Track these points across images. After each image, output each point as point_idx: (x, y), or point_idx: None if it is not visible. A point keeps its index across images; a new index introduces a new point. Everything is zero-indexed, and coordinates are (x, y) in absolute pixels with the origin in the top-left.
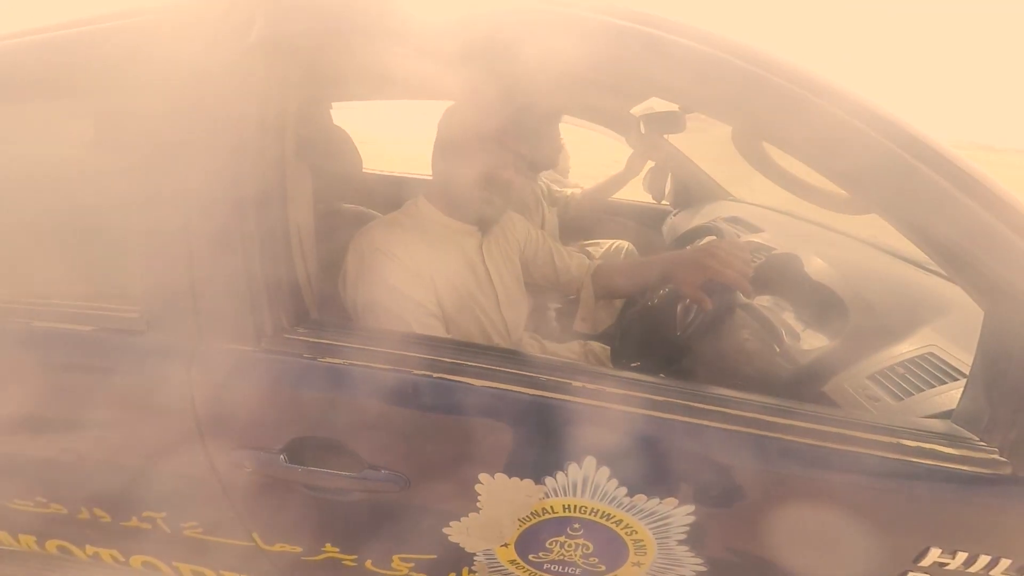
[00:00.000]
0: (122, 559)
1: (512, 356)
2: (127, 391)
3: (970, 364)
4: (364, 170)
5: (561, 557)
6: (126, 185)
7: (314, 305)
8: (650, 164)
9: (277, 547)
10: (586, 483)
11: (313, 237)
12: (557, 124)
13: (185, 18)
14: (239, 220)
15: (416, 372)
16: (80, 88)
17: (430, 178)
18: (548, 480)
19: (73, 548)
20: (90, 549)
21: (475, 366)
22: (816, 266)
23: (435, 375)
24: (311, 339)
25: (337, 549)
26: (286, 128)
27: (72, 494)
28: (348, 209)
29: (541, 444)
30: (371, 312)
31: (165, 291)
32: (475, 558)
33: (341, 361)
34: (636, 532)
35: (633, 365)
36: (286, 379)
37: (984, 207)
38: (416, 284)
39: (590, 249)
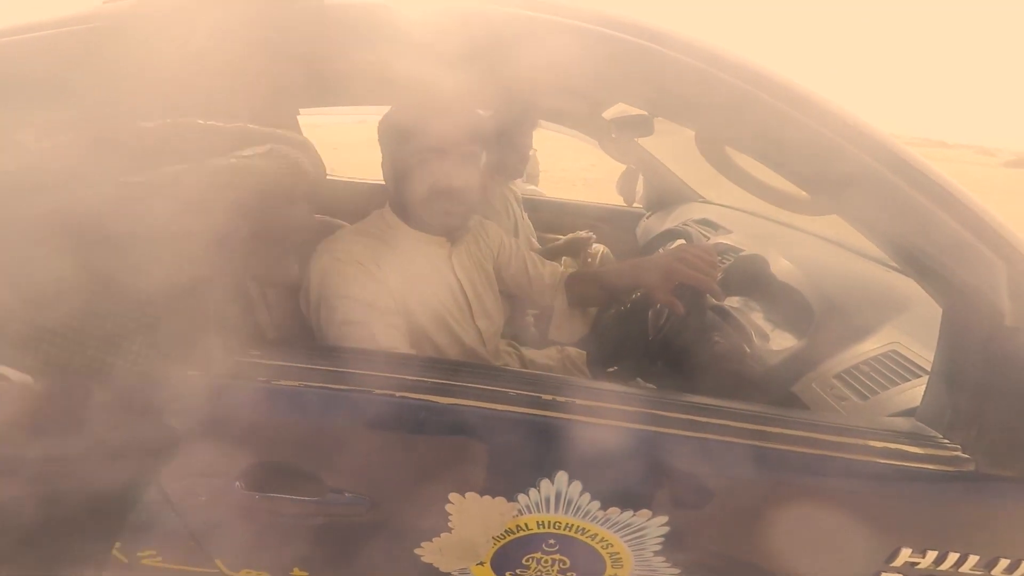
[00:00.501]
0: None
1: (477, 371)
2: (74, 420)
3: (931, 361)
4: (330, 177)
5: (538, 573)
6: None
7: (271, 324)
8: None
9: (243, 573)
10: (559, 498)
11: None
12: (526, 130)
13: (127, 25)
14: (179, 237)
15: (377, 392)
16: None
17: None
18: (521, 497)
19: None
20: None
21: (438, 383)
22: (782, 266)
23: (397, 394)
24: (265, 361)
25: (306, 573)
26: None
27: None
28: (317, 219)
29: (511, 460)
30: (333, 323)
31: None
32: None
33: (297, 383)
34: (612, 545)
35: (609, 370)
36: (240, 404)
37: (939, 206)
38: (379, 294)
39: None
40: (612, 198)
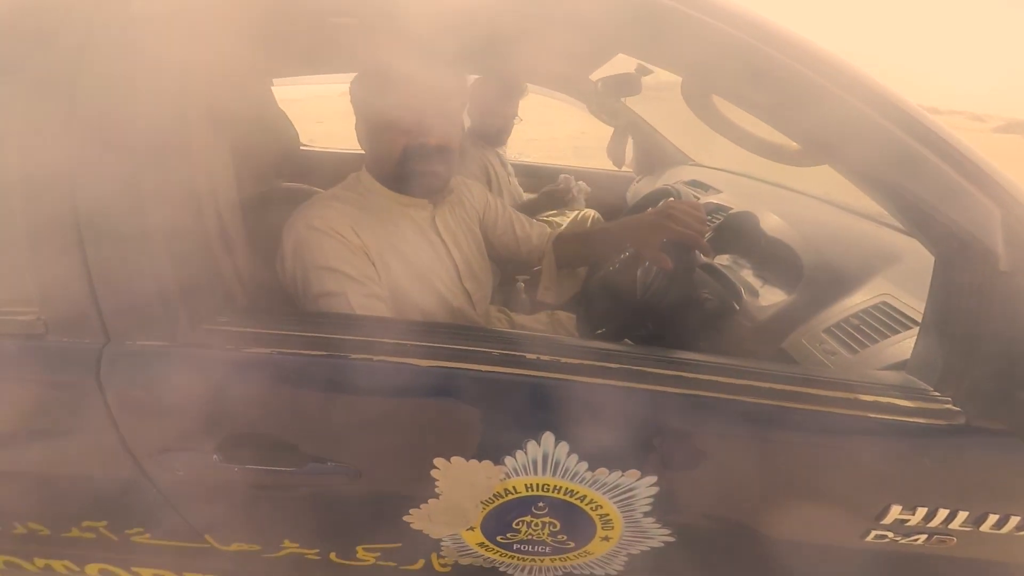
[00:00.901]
0: (76, 568)
1: (457, 331)
2: (33, 400)
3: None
4: (304, 148)
5: (529, 536)
6: (8, 174)
7: (242, 291)
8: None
9: (234, 547)
10: (546, 460)
11: (239, 217)
12: (513, 97)
13: None
14: (136, 203)
15: (354, 356)
16: None
17: None
18: (508, 460)
19: (21, 562)
20: (40, 561)
21: (419, 345)
22: (772, 222)
23: (376, 358)
24: (234, 328)
25: (296, 544)
26: (189, 100)
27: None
28: (290, 187)
29: (496, 423)
30: (310, 295)
31: (62, 288)
32: (442, 543)
33: (268, 350)
34: (601, 507)
35: (598, 332)
36: (209, 374)
37: (932, 152)
38: (356, 263)
39: (557, 220)
40: (602, 166)
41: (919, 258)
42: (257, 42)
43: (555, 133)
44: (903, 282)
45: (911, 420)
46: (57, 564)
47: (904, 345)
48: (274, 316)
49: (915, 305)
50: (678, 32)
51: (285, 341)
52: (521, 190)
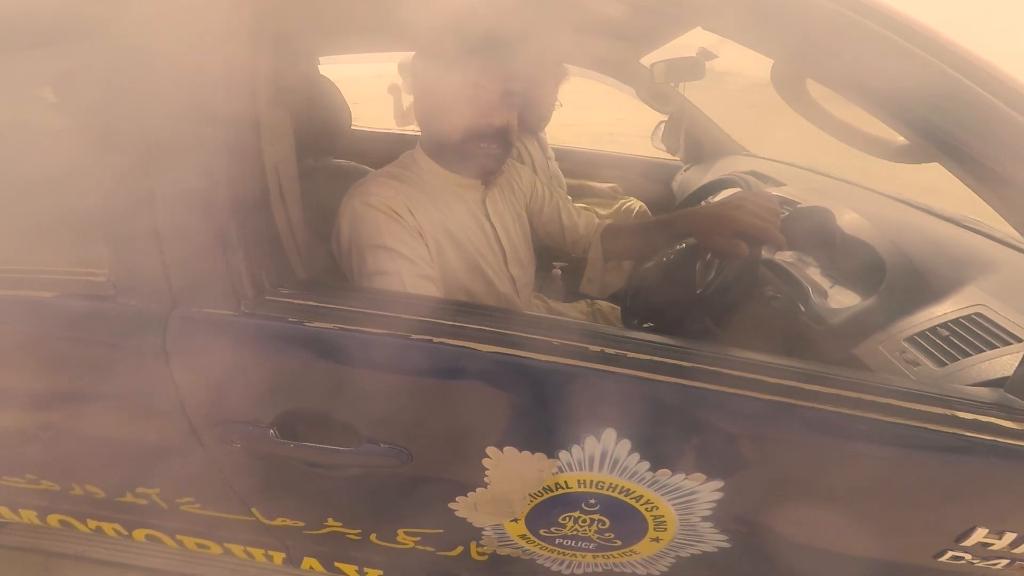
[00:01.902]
0: (125, 532)
1: (519, 318)
2: (98, 362)
3: None
4: (355, 127)
5: (575, 532)
6: (85, 141)
7: (301, 264)
8: (662, 118)
9: (278, 521)
10: (604, 457)
11: (298, 191)
12: (554, 83)
13: None
14: (207, 173)
15: (414, 337)
16: (34, 42)
17: None
18: (562, 454)
19: (75, 522)
20: (92, 523)
21: (479, 329)
22: (849, 219)
23: (435, 339)
24: (296, 301)
25: (340, 523)
26: (258, 76)
27: (59, 470)
28: (341, 164)
29: (554, 415)
30: (364, 272)
31: (133, 252)
32: (483, 532)
33: (331, 325)
34: (657, 508)
35: (646, 326)
36: (271, 346)
37: None
38: (411, 243)
39: (598, 210)
40: (638, 152)
41: (1016, 268)
42: (309, 18)
43: (591, 119)
44: (1000, 294)
45: (1012, 442)
46: (107, 527)
47: (1001, 362)
48: (335, 291)
49: (1015, 319)
50: (773, 4)
51: (346, 316)
52: (562, 175)
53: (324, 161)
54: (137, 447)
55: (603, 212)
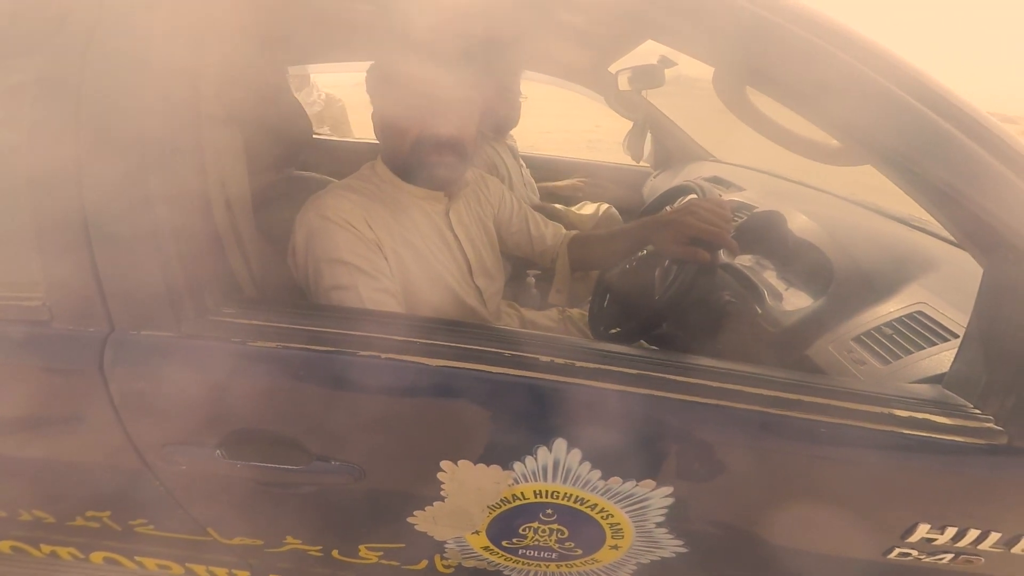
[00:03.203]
0: (81, 556)
1: (469, 331)
2: (36, 387)
3: (963, 323)
4: (316, 136)
5: (536, 542)
6: (20, 161)
7: (251, 281)
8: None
9: (237, 541)
10: (557, 467)
11: (249, 207)
12: (514, 74)
13: None
14: (143, 190)
15: (362, 353)
16: None
17: None
18: (516, 465)
19: (27, 547)
20: (45, 548)
21: (429, 343)
22: (800, 223)
23: (383, 355)
24: (240, 320)
25: (299, 541)
26: (198, 90)
27: (3, 497)
28: (302, 176)
29: (506, 426)
30: (321, 287)
31: (67, 274)
32: (446, 545)
33: (275, 344)
34: (612, 516)
35: (612, 332)
36: (214, 367)
37: (991, 153)
38: (369, 256)
39: (575, 210)
40: (613, 159)
41: (958, 266)
42: (271, 28)
43: (569, 126)
44: (941, 291)
45: (947, 438)
46: (62, 551)
47: (940, 358)
48: (281, 309)
49: (954, 316)
50: (712, 17)
51: (291, 335)
52: (534, 182)
53: (285, 173)
54: (83, 472)
55: (585, 213)
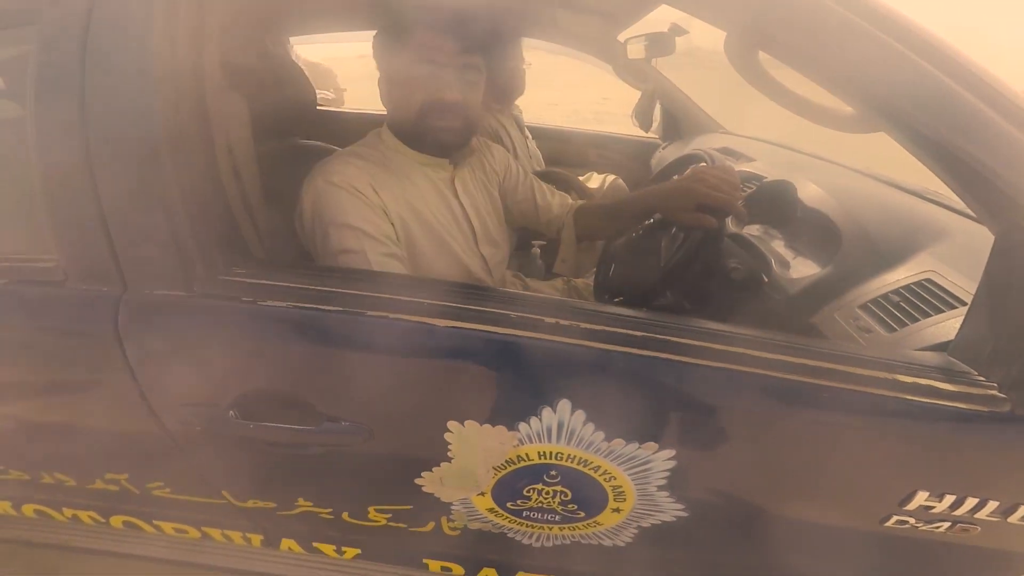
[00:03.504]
0: (102, 519)
1: (476, 292)
2: (52, 348)
3: (972, 292)
4: (320, 108)
5: (540, 504)
6: (30, 125)
7: (259, 244)
8: (638, 92)
9: (250, 503)
10: (561, 428)
11: (256, 172)
12: (514, 39)
13: None
14: (153, 152)
15: (371, 313)
16: None
17: None
18: (522, 426)
19: (50, 511)
20: (67, 511)
21: (436, 304)
22: (810, 192)
23: (392, 315)
24: (251, 280)
25: (310, 503)
26: (205, 53)
27: (25, 460)
28: (306, 144)
29: (512, 387)
30: (329, 251)
31: (81, 236)
32: (452, 507)
33: (285, 304)
34: (615, 478)
35: (617, 300)
36: (226, 326)
37: (1005, 116)
38: (376, 221)
39: (582, 181)
40: (625, 127)
41: (968, 235)
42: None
43: (577, 97)
44: (950, 259)
45: (950, 404)
46: (83, 515)
47: (948, 326)
48: (291, 269)
49: (963, 284)
50: None
51: (302, 295)
52: (540, 154)
53: (289, 141)
54: (100, 433)
55: (592, 185)
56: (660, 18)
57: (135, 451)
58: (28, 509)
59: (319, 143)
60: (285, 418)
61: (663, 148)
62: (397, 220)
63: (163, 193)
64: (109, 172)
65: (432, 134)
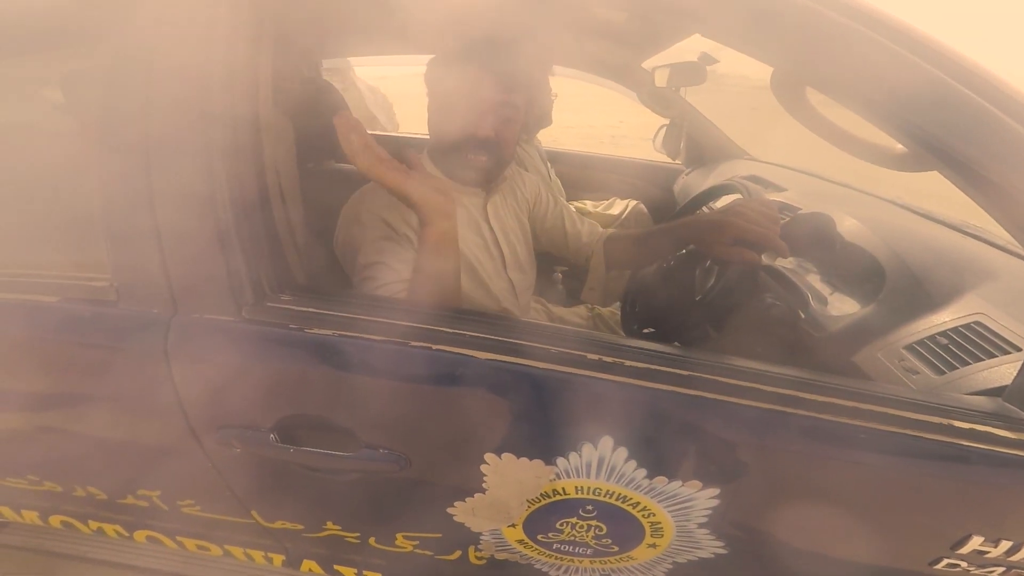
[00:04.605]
0: (126, 533)
1: (518, 326)
2: (100, 366)
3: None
4: (374, 133)
5: (572, 538)
6: (87, 145)
7: (300, 268)
8: (664, 121)
9: (278, 524)
10: (601, 465)
11: (299, 194)
12: (546, 76)
13: None
14: (208, 177)
15: (413, 343)
16: (39, 45)
17: None
18: (560, 460)
19: (77, 523)
20: (93, 524)
21: (478, 336)
22: (848, 226)
23: (434, 347)
24: (297, 308)
25: (339, 527)
26: (259, 79)
27: (61, 472)
28: (341, 168)
29: (552, 422)
30: (362, 277)
31: (135, 256)
32: (482, 537)
33: (330, 332)
34: (654, 515)
35: (645, 331)
36: (271, 352)
37: None
38: (399, 252)
39: (605, 211)
40: (640, 155)
41: (1017, 278)
42: (311, 21)
43: (594, 121)
44: (999, 302)
45: (1010, 452)
46: (109, 528)
47: (1000, 371)
48: (336, 297)
49: (1014, 328)
50: (774, 17)
51: (346, 324)
52: (560, 182)
53: (325, 164)
54: (139, 450)
55: (613, 213)
56: (689, 46)
57: (171, 469)
58: (55, 520)
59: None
60: (324, 443)
61: (687, 174)
62: None
63: (217, 218)
64: (167, 194)
65: (465, 167)
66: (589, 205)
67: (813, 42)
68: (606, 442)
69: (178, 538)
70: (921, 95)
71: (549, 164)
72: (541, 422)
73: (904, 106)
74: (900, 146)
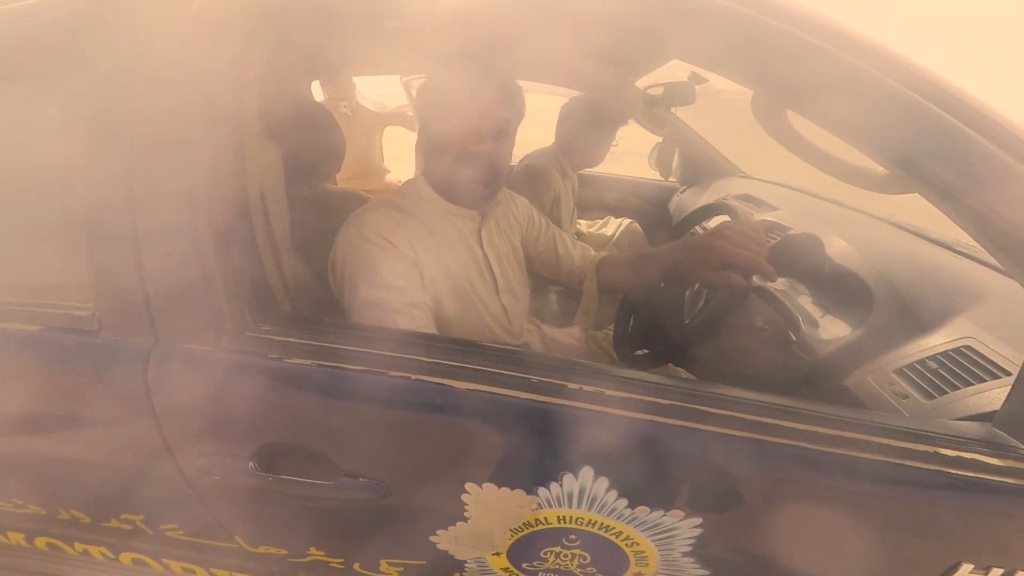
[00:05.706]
0: (111, 556)
1: (498, 355)
2: (83, 394)
3: (1015, 360)
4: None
5: (557, 566)
6: (70, 174)
7: (287, 297)
8: (657, 139)
9: (262, 549)
10: (583, 494)
11: (287, 222)
12: (615, 124)
13: None
14: (190, 208)
15: (393, 373)
16: (20, 68)
17: None
18: (541, 490)
19: (62, 545)
20: (79, 546)
21: (458, 366)
22: (838, 247)
23: (413, 376)
24: (277, 337)
25: (322, 553)
26: (243, 104)
27: (45, 497)
28: (335, 190)
29: (532, 452)
30: (355, 303)
31: (117, 286)
32: (466, 565)
33: (309, 362)
34: (638, 544)
35: (637, 353)
36: (250, 381)
37: None
38: (404, 274)
39: (599, 231)
40: (639, 172)
41: (1008, 299)
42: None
43: None
44: (990, 325)
45: (998, 479)
46: (94, 550)
47: (990, 395)
48: (316, 326)
49: (1004, 352)
50: (753, 41)
51: (325, 353)
52: (575, 209)
53: (319, 187)
54: (121, 476)
55: (607, 233)
56: (681, 65)
57: (153, 495)
58: (41, 542)
59: (347, 188)
60: (304, 472)
61: (681, 192)
62: (427, 271)
63: (198, 249)
64: (149, 226)
65: (462, 185)
66: (583, 225)
67: (789, 68)
68: (586, 473)
69: (164, 560)
70: (899, 118)
71: (569, 188)
72: (521, 452)
73: (882, 129)
74: (881, 168)
